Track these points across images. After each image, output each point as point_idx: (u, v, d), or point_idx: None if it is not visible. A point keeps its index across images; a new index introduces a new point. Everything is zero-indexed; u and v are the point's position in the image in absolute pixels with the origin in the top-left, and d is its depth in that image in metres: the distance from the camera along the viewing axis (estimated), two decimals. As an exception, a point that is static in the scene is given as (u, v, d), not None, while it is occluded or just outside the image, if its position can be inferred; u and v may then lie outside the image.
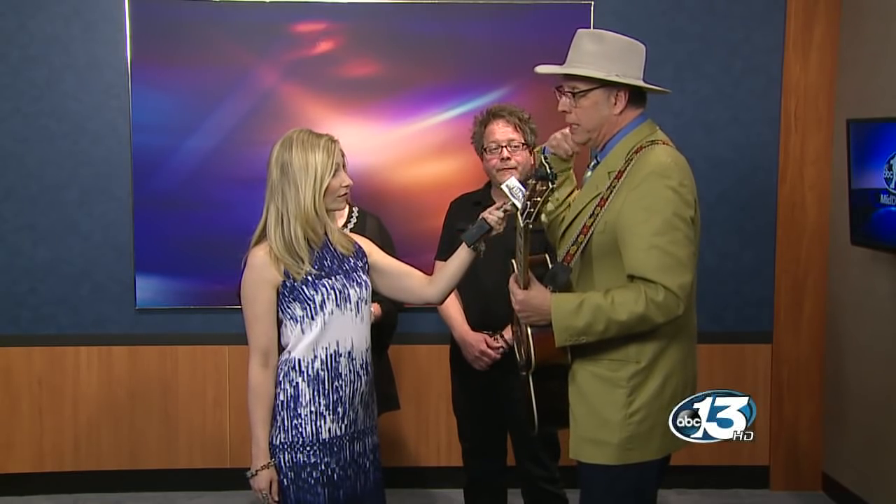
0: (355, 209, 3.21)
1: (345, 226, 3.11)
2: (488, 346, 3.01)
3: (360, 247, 2.50)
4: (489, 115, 3.08)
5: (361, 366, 2.44)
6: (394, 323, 3.23)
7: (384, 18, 3.81)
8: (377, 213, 3.36)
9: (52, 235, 3.86)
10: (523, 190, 2.28)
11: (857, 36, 3.73)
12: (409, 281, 2.54)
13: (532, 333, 2.21)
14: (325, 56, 3.81)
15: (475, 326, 3.06)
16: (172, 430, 3.97)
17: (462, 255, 2.45)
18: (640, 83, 2.25)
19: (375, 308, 3.05)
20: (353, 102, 3.82)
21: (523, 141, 3.01)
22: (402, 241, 3.36)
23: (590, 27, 3.73)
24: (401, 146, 3.85)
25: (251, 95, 3.80)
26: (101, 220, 3.87)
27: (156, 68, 3.78)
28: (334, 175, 2.36)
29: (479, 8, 3.81)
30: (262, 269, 2.32)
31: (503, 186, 2.35)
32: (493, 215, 2.38)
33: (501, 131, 3.02)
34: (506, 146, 2.99)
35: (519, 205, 2.27)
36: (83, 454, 3.95)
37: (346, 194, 2.44)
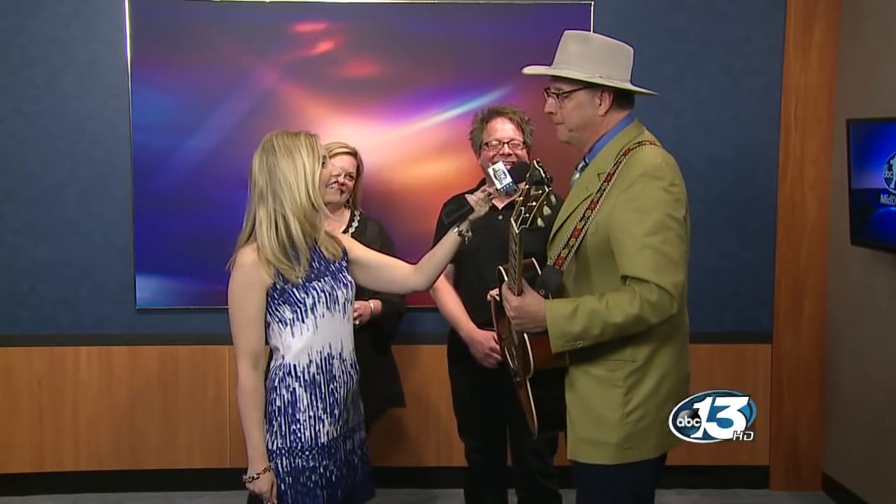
0: (357, 213, 3.23)
1: (346, 230, 3.13)
2: (497, 342, 3.02)
3: (343, 247, 2.52)
4: (492, 113, 3.14)
5: (352, 365, 2.46)
6: (395, 323, 3.24)
7: (384, 18, 3.81)
8: (378, 215, 3.37)
9: (52, 235, 3.86)
10: (506, 173, 2.34)
11: (857, 36, 3.72)
12: (393, 272, 2.56)
13: (529, 339, 2.21)
14: (325, 56, 3.81)
15: (478, 323, 3.06)
16: (172, 430, 3.97)
17: (448, 241, 2.47)
18: (624, 85, 2.25)
19: (376, 305, 3.07)
20: (353, 102, 3.82)
21: (523, 140, 3.07)
22: (401, 241, 3.36)
23: (590, 27, 3.74)
24: (401, 146, 3.85)
25: (251, 95, 3.80)
26: (101, 220, 3.87)
27: (156, 68, 3.78)
28: (323, 166, 2.39)
29: (479, 8, 3.81)
30: (252, 271, 2.31)
31: (489, 169, 2.39)
32: (473, 196, 2.42)
33: (503, 129, 3.08)
34: (507, 143, 3.04)
35: (497, 184, 2.34)
36: (83, 454, 3.95)
37: (335, 183, 2.46)
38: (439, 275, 2.55)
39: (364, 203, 3.37)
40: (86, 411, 3.94)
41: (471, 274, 3.08)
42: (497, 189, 2.38)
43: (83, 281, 3.89)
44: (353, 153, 3.20)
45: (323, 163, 2.39)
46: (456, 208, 2.45)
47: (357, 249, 2.55)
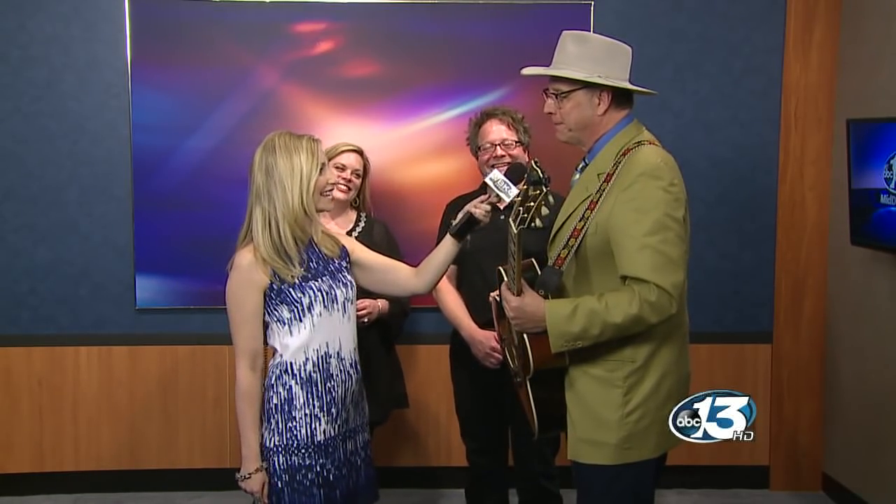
0: (363, 215, 3.24)
1: (351, 231, 3.14)
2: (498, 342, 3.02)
3: (343, 247, 2.52)
4: (483, 116, 3.16)
5: (351, 365, 2.46)
6: (401, 323, 3.25)
7: (384, 18, 3.81)
8: (377, 214, 3.37)
9: (52, 235, 3.86)
10: (508, 182, 2.32)
11: (857, 36, 3.72)
12: (395, 274, 2.56)
13: (528, 339, 2.21)
14: (325, 56, 3.81)
15: (480, 323, 3.07)
16: (172, 430, 3.97)
17: (448, 246, 2.46)
18: (622, 84, 2.25)
19: (384, 304, 3.09)
20: (353, 102, 3.82)
21: (517, 139, 3.08)
22: (401, 241, 3.36)
23: (590, 27, 3.74)
24: (401, 146, 3.85)
25: (251, 95, 3.80)
26: (101, 220, 3.87)
27: (156, 68, 3.78)
28: (320, 173, 2.38)
29: (479, 8, 3.81)
30: (249, 272, 2.33)
31: (487, 180, 2.38)
32: (479, 209, 2.39)
33: (495, 130, 3.09)
34: (499, 144, 3.05)
35: (504, 197, 2.31)
36: (83, 454, 3.95)
37: (332, 191, 2.46)
38: (440, 278, 2.55)
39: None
40: (86, 411, 3.94)
41: (473, 274, 3.09)
42: (506, 203, 2.34)
43: (83, 281, 3.89)
44: (360, 151, 3.21)
45: (321, 170, 2.38)
46: (462, 223, 2.41)
47: (359, 251, 2.56)
